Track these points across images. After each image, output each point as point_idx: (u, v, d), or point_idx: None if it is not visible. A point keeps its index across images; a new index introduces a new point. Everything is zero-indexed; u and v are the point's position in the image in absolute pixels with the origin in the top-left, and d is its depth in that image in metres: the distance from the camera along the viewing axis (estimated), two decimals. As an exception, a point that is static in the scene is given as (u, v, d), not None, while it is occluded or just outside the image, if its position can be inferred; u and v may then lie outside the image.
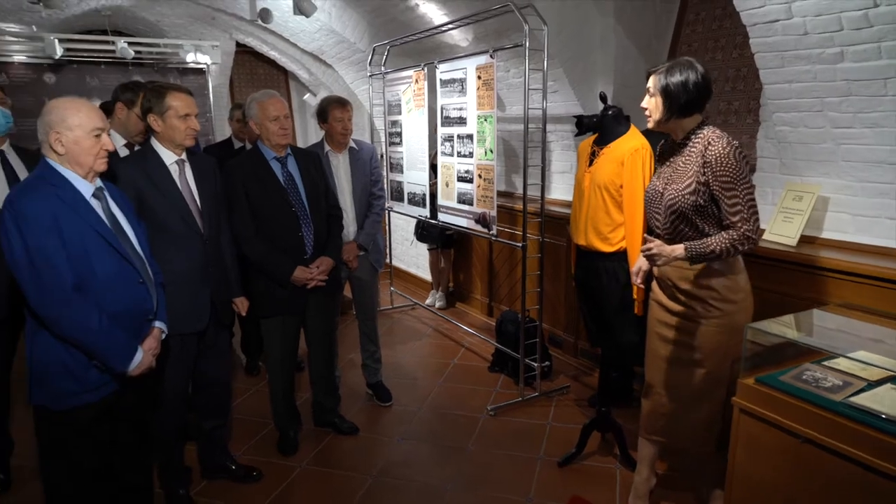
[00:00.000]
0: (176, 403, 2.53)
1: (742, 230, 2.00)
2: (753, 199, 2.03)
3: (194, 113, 2.43)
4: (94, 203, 1.93)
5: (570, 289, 4.06)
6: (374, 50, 5.09)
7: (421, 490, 2.81)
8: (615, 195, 2.73)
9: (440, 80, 4.08)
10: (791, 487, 1.81)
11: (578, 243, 2.92)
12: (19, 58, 5.67)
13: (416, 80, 4.41)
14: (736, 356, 2.09)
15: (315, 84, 7.03)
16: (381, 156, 4.94)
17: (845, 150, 2.61)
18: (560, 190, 4.46)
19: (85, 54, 5.85)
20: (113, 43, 5.73)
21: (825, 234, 2.78)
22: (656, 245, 2.06)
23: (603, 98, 2.85)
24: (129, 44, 5.79)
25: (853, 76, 2.39)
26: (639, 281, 2.45)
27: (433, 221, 4.50)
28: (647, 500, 2.55)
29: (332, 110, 3.25)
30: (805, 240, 2.78)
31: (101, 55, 5.89)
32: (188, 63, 6.31)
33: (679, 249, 2.04)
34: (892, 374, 1.81)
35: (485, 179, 3.76)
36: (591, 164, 2.83)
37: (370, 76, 5.21)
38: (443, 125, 4.13)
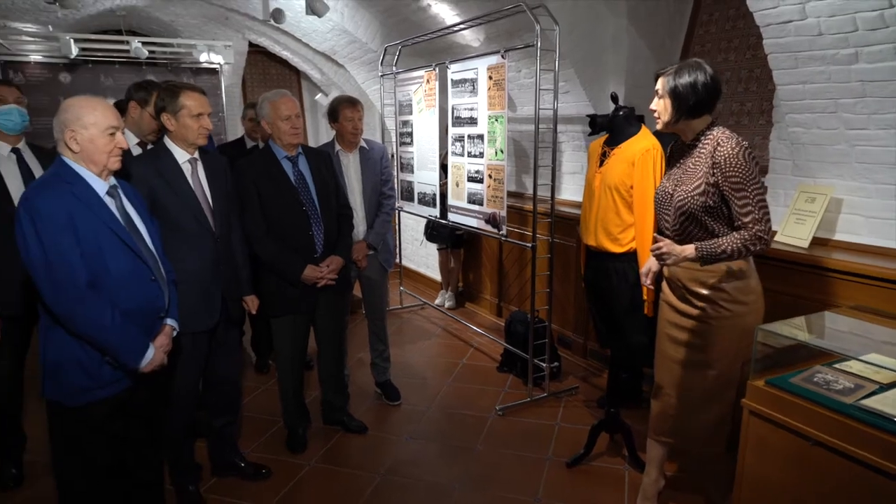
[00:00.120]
0: (187, 401, 2.56)
1: (754, 231, 1.99)
2: (764, 200, 2.02)
3: (207, 112, 2.45)
4: (109, 201, 1.95)
5: (579, 289, 4.05)
6: (385, 50, 5.11)
7: (429, 489, 2.81)
8: (625, 196, 2.72)
9: (451, 80, 4.09)
10: (800, 490, 1.80)
11: (588, 244, 2.91)
12: (35, 57, 5.74)
13: (428, 80, 4.42)
14: (746, 358, 2.08)
15: (327, 84, 7.06)
16: (392, 156, 4.95)
17: (859, 151, 2.58)
18: (570, 190, 4.46)
19: (100, 54, 5.90)
20: (127, 43, 5.78)
21: (838, 236, 2.76)
22: (666, 244, 2.06)
23: (614, 98, 2.85)
24: (144, 44, 5.84)
25: (868, 77, 2.37)
26: (648, 282, 2.44)
27: (443, 221, 4.51)
28: (656, 502, 2.54)
29: (343, 110, 3.26)
30: (817, 242, 2.76)
31: (116, 55, 5.94)
32: (201, 63, 6.35)
33: (689, 249, 2.03)
34: (905, 377, 1.79)
35: (495, 180, 3.77)
36: (601, 164, 2.83)
37: (381, 76, 5.23)
38: (453, 125, 4.14)
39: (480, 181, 3.90)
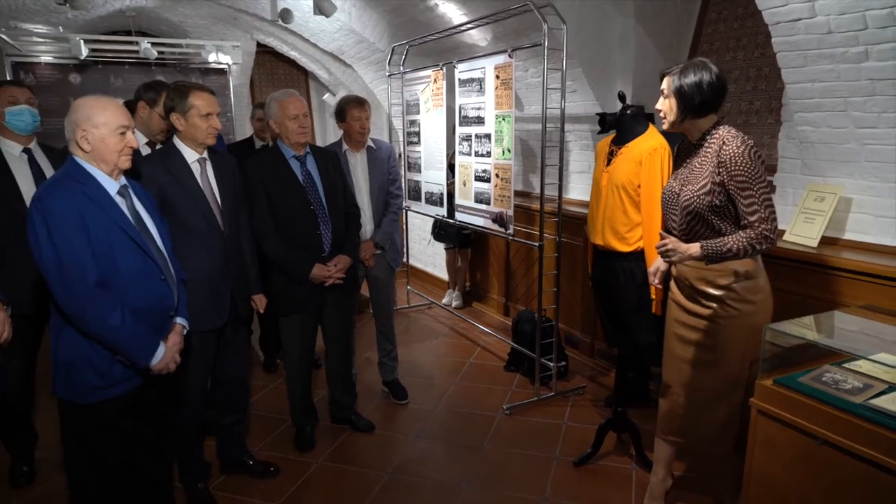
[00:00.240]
0: (196, 400, 2.57)
1: (760, 229, 1.98)
2: (770, 199, 2.01)
3: (216, 112, 2.47)
4: (119, 200, 1.96)
5: (586, 289, 4.04)
6: (393, 50, 5.12)
7: (436, 488, 2.82)
8: (633, 195, 2.72)
9: (458, 79, 4.09)
10: (808, 489, 1.79)
11: (595, 243, 2.91)
12: (46, 58, 5.79)
13: (435, 80, 4.43)
14: (754, 357, 2.08)
15: (334, 84, 7.08)
16: (399, 155, 4.96)
17: (869, 150, 2.57)
18: (578, 190, 4.45)
19: (109, 55, 5.95)
20: (137, 43, 5.82)
21: (847, 236, 2.75)
22: (671, 241, 2.06)
23: (621, 97, 2.84)
24: (153, 44, 5.88)
25: (878, 75, 2.36)
26: (656, 281, 2.44)
27: (450, 221, 4.51)
28: (663, 501, 2.54)
29: (351, 109, 3.27)
30: (826, 241, 2.75)
31: (126, 56, 5.99)
32: (210, 63, 6.39)
33: (695, 248, 2.03)
34: (915, 377, 1.78)
35: (502, 179, 3.77)
36: (608, 163, 2.83)
37: (389, 76, 5.24)
38: (461, 125, 4.14)
39: (488, 180, 3.90)
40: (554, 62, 3.37)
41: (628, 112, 2.79)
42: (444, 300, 5.56)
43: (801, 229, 2.81)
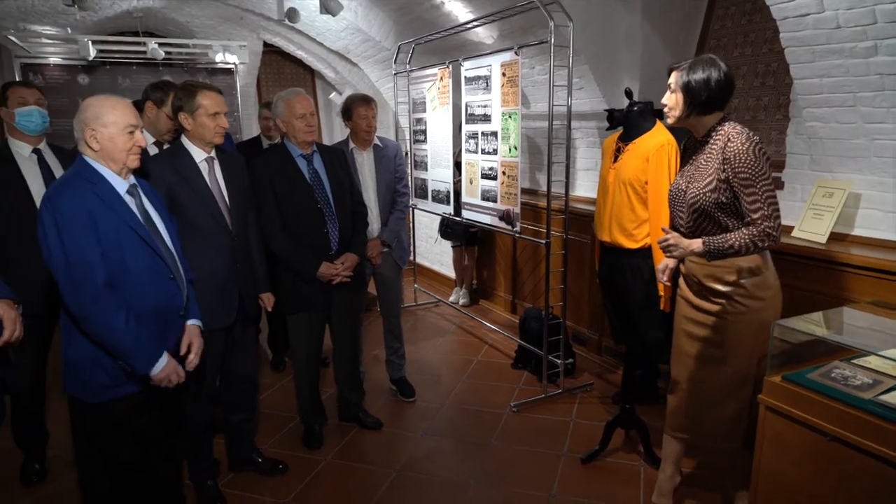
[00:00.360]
0: (205, 398, 2.58)
1: (762, 227, 1.98)
2: (774, 196, 2.00)
3: (224, 111, 2.48)
4: (129, 199, 1.97)
5: (594, 286, 4.04)
6: (399, 48, 5.12)
7: (444, 485, 2.82)
8: (640, 191, 2.71)
9: (465, 77, 4.09)
10: (817, 486, 1.78)
11: (603, 240, 2.91)
12: (54, 59, 5.83)
13: (441, 78, 4.43)
14: (763, 353, 2.07)
15: (341, 83, 7.09)
16: (406, 153, 4.97)
17: (878, 145, 2.55)
18: (584, 187, 4.44)
19: (117, 55, 5.98)
20: (144, 44, 5.84)
21: (856, 231, 2.73)
22: (674, 236, 2.06)
23: (628, 94, 2.84)
24: (160, 45, 5.90)
25: (887, 70, 2.35)
26: (665, 278, 2.44)
27: (457, 219, 4.51)
28: (671, 498, 2.53)
29: (357, 107, 3.28)
30: (835, 237, 2.73)
31: (133, 56, 6.02)
32: (217, 63, 6.41)
33: (697, 244, 2.03)
34: (925, 373, 1.77)
35: (509, 176, 3.77)
36: (615, 160, 2.82)
37: (395, 74, 5.24)
38: (467, 122, 4.14)
39: (494, 178, 3.90)
40: (560, 59, 3.36)
41: (635, 109, 2.78)
42: (451, 298, 5.56)
43: (809, 225, 2.79)
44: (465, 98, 4.13)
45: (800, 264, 2.68)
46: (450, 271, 5.85)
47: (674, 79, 2.13)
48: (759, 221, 1.99)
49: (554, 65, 3.31)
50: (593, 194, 3.95)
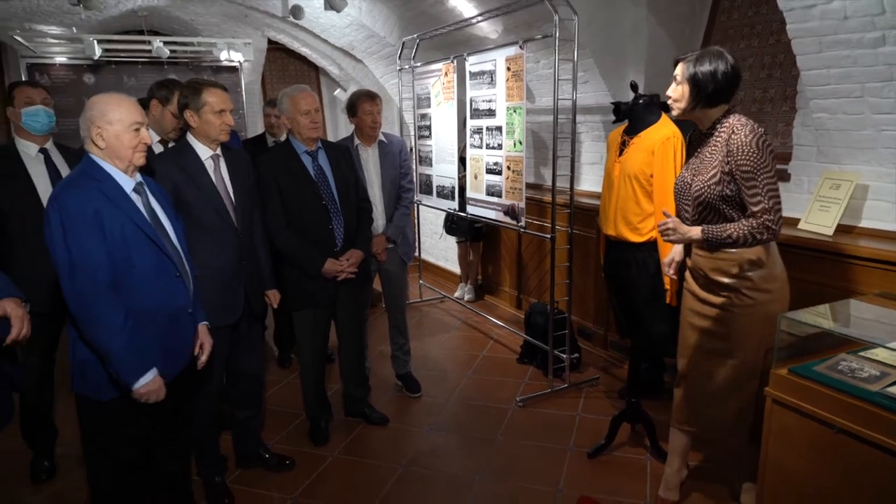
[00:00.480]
0: (211, 395, 2.59)
1: (762, 219, 1.97)
2: (775, 189, 1.99)
3: (229, 109, 2.48)
4: (135, 198, 1.98)
5: (599, 280, 4.03)
6: (403, 44, 5.11)
7: (450, 480, 2.83)
8: (645, 185, 2.70)
9: (469, 72, 4.08)
10: (824, 478, 1.78)
11: (608, 233, 2.90)
12: (60, 59, 5.86)
13: (446, 73, 4.42)
14: (770, 346, 2.06)
15: (345, 79, 7.09)
16: (411, 149, 4.96)
17: (886, 136, 2.53)
18: (590, 181, 4.43)
19: (123, 54, 6.00)
20: (149, 43, 5.86)
21: (864, 223, 2.71)
22: (673, 220, 2.06)
23: (634, 87, 2.82)
24: (165, 43, 5.92)
25: (895, 60, 2.32)
26: (671, 272, 2.43)
27: (462, 214, 4.51)
28: (678, 492, 2.53)
29: (362, 103, 3.28)
30: (842, 229, 2.71)
31: (138, 55, 6.04)
32: (222, 61, 6.42)
33: (696, 231, 2.03)
34: (933, 365, 1.76)
35: (513, 171, 3.76)
36: (620, 153, 2.81)
37: (399, 70, 5.24)
38: (472, 117, 4.14)
39: (499, 173, 3.90)
40: (565, 53, 3.35)
41: (640, 102, 2.77)
42: (457, 293, 5.56)
43: (816, 217, 2.77)
44: (469, 93, 4.12)
45: (807, 256, 2.66)
46: (455, 267, 5.85)
47: (680, 70, 2.11)
48: (759, 214, 1.98)
49: (559, 59, 3.30)
50: (598, 188, 3.93)
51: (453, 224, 5.25)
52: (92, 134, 1.90)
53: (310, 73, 7.75)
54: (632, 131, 2.80)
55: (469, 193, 4.31)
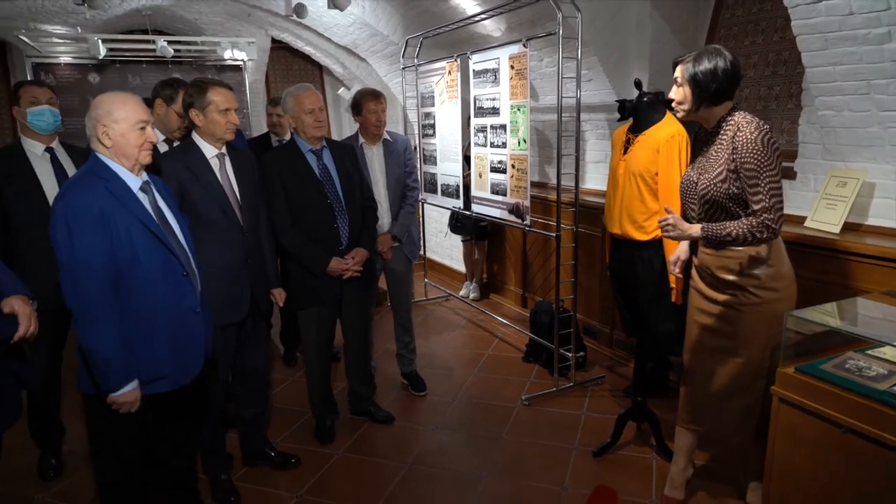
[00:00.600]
0: (217, 393, 2.60)
1: (762, 218, 1.97)
2: (778, 188, 1.98)
3: (234, 107, 2.48)
4: (142, 196, 1.98)
5: (604, 279, 4.03)
6: (407, 42, 5.11)
7: (455, 478, 2.83)
8: (650, 183, 2.69)
9: (473, 70, 4.08)
10: (831, 477, 1.77)
11: (613, 232, 2.89)
12: (65, 58, 5.87)
13: (449, 72, 4.42)
14: (776, 345, 2.05)
15: (349, 78, 7.09)
16: (415, 148, 4.96)
17: (893, 133, 2.52)
18: (594, 180, 4.42)
19: (127, 54, 6.02)
20: (153, 42, 5.87)
21: (870, 221, 2.70)
22: (674, 216, 2.05)
23: (638, 85, 2.81)
24: (169, 42, 5.93)
25: (901, 57, 2.32)
26: (677, 270, 2.42)
27: (467, 213, 4.51)
28: (684, 491, 2.53)
29: (366, 102, 3.28)
30: (849, 227, 2.70)
31: (143, 54, 6.05)
32: (225, 60, 6.43)
33: (696, 228, 2.03)
34: (941, 363, 1.75)
35: (518, 170, 3.75)
36: (625, 151, 2.80)
37: (403, 68, 5.23)
38: (476, 116, 4.13)
39: (503, 171, 3.89)
40: (569, 51, 3.34)
41: (645, 99, 2.76)
42: (462, 292, 5.56)
43: (822, 215, 2.76)
44: (473, 91, 4.11)
45: (813, 255, 2.65)
46: (460, 265, 5.85)
47: (679, 72, 2.11)
48: (759, 212, 1.98)
49: (563, 57, 3.29)
50: (603, 187, 3.92)
51: (458, 222, 5.25)
52: (98, 133, 1.91)
53: (313, 71, 7.76)
54: (636, 129, 2.79)
55: (474, 192, 4.31)
